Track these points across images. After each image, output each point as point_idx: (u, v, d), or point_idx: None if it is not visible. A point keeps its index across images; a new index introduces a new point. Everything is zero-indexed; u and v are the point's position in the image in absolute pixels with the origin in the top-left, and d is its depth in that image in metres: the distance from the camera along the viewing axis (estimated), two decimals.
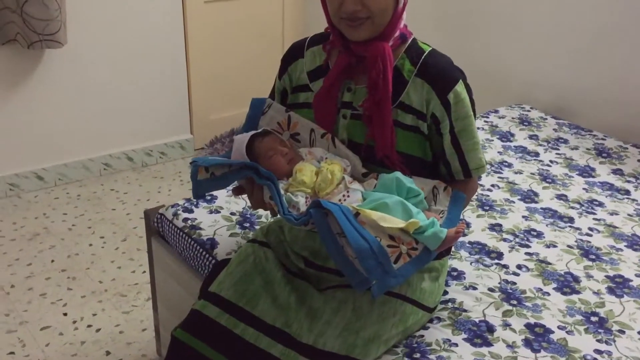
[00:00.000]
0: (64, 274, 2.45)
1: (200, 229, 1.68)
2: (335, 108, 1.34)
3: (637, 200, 1.93)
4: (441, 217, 1.24)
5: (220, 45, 3.46)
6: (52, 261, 2.53)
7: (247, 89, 3.56)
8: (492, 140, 2.36)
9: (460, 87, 1.29)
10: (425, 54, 1.31)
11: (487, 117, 2.57)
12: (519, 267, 1.56)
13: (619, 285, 1.49)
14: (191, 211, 1.75)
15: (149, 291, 2.15)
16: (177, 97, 3.40)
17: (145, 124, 3.34)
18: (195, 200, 1.80)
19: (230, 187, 1.38)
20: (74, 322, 2.20)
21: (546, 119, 2.56)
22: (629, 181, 2.06)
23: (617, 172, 2.13)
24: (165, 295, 1.88)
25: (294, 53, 1.44)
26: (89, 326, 2.18)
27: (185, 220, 1.72)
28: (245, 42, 3.55)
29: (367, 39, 1.26)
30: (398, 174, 1.25)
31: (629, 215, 1.84)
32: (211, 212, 1.75)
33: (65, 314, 2.23)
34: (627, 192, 1.99)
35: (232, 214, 1.75)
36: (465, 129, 1.32)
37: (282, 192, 1.25)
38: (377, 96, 1.27)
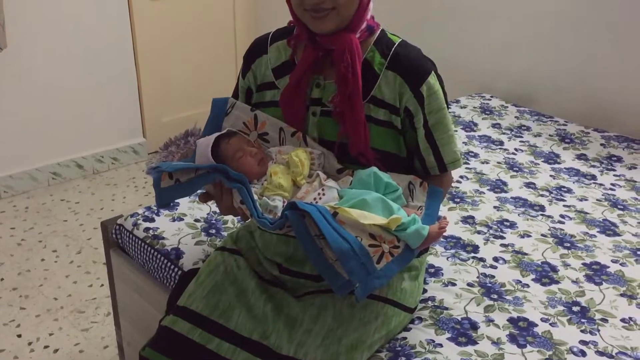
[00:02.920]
0: (15, 292, 2.31)
1: (163, 238, 1.59)
2: (304, 105, 1.27)
3: (604, 185, 1.93)
4: (420, 213, 1.19)
5: (170, 44, 3.33)
6: (2, 279, 2.37)
7: (200, 88, 3.45)
8: (457, 131, 2.33)
9: (432, 78, 1.25)
10: (395, 46, 1.26)
11: (449, 108, 2.53)
12: (495, 259, 1.53)
13: (596, 273, 1.48)
14: (152, 220, 1.65)
15: (109, 305, 2.04)
16: (127, 99, 3.27)
17: (95, 128, 3.19)
18: (155, 208, 1.70)
19: (195, 193, 1.30)
20: (30, 343, 2.06)
21: (507, 107, 2.56)
22: (594, 166, 2.07)
23: (581, 157, 2.14)
24: (127, 310, 1.78)
25: (257, 49, 1.36)
26: (46, 347, 2.05)
27: (146, 230, 1.62)
28: (196, 40, 3.44)
29: (333, 30, 1.20)
30: (375, 169, 1.20)
31: (597, 200, 1.83)
32: (174, 220, 1.66)
33: (19, 336, 2.09)
34: (594, 177, 1.99)
35: (197, 220, 1.66)
36: (440, 121, 1.28)
37: (254, 195, 1.17)
38: (347, 91, 1.21)
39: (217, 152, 1.25)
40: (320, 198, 1.18)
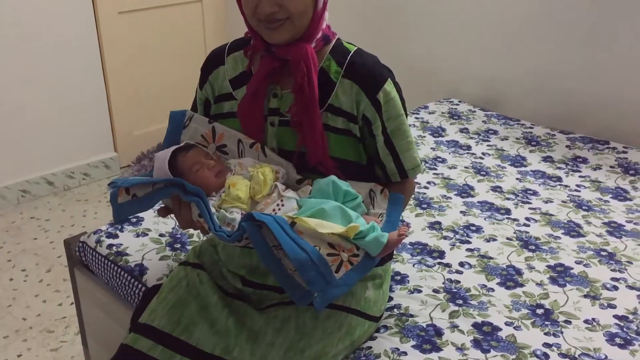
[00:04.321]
0: None
1: (126, 254, 1.56)
2: (262, 115, 1.27)
3: (569, 187, 1.95)
4: (381, 221, 1.19)
5: (140, 56, 3.31)
6: None
7: (172, 101, 3.42)
8: (425, 137, 2.34)
9: (389, 85, 1.25)
10: (351, 54, 1.26)
11: (418, 114, 2.56)
12: (461, 264, 1.53)
13: (560, 275, 1.49)
14: (116, 236, 1.63)
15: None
16: (97, 113, 3.23)
17: (65, 144, 3.15)
18: (119, 224, 1.68)
19: (156, 208, 1.28)
20: None
21: (475, 111, 2.58)
22: (559, 168, 2.09)
23: (547, 159, 2.15)
24: (94, 328, 1.75)
25: (214, 61, 1.35)
26: None
27: (109, 246, 1.60)
28: (166, 52, 3.42)
29: (288, 40, 1.19)
30: (334, 177, 1.19)
31: (563, 202, 1.85)
32: (138, 235, 1.64)
33: None
34: (559, 179, 2.01)
35: (161, 235, 1.64)
36: (398, 128, 1.27)
37: (212, 208, 1.16)
38: (304, 100, 1.20)
39: (174, 165, 1.24)
40: (279, 209, 1.17)
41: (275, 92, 1.27)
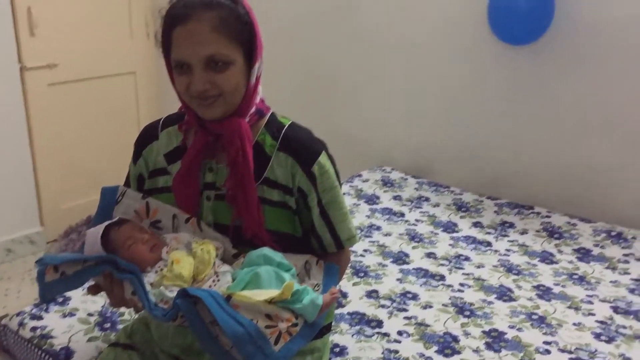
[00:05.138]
0: None
1: (51, 337, 1.48)
2: (197, 190, 1.26)
3: (499, 251, 2.02)
4: (317, 291, 1.18)
5: (70, 128, 3.25)
6: None
7: (103, 172, 3.35)
8: (359, 205, 2.38)
9: (323, 158, 1.28)
10: (285, 128, 1.29)
11: (352, 182, 2.61)
12: (399, 333, 1.53)
13: (495, 340, 1.51)
14: (40, 318, 1.54)
15: None
16: (22, 186, 3.11)
17: None
18: (45, 303, 1.59)
19: (85, 285, 1.23)
20: None
21: (406, 178, 2.65)
22: (489, 233, 2.16)
23: (477, 225, 2.23)
24: None
25: (148, 136, 1.35)
26: None
27: (33, 329, 1.51)
28: (98, 125, 3.37)
29: (222, 116, 1.21)
30: (266, 249, 1.19)
31: (494, 266, 1.90)
32: (64, 315, 1.56)
33: None
34: (489, 244, 2.07)
35: (90, 314, 1.57)
36: (333, 200, 1.29)
37: (147, 285, 1.13)
38: (238, 174, 1.21)
39: (107, 241, 1.20)
40: (215, 284, 1.15)
41: (211, 166, 1.27)
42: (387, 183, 2.60)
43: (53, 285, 1.16)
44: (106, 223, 1.23)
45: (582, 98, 2.28)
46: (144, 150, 1.34)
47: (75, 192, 3.32)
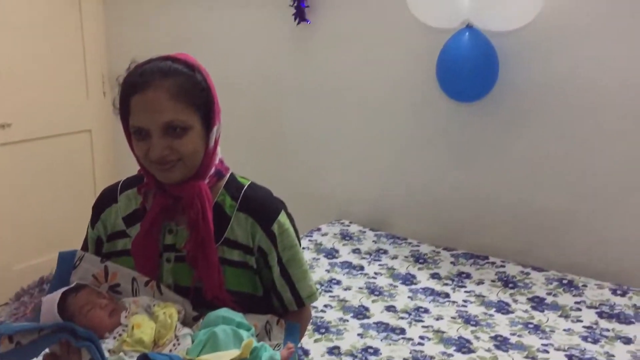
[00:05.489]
0: None
1: None
2: (157, 252, 1.26)
3: (457, 302, 2.06)
4: (278, 351, 1.19)
5: (23, 188, 3.19)
6: None
7: (57, 232, 3.29)
8: (319, 259, 2.40)
9: (283, 217, 1.30)
10: (245, 188, 1.31)
11: (311, 236, 2.63)
12: None
13: None
14: None
15: None
16: None
17: None
18: None
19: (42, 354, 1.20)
20: None
21: (365, 231, 2.69)
22: (446, 284, 2.20)
23: (435, 276, 2.27)
24: None
25: (106, 199, 1.35)
26: None
27: None
28: (52, 183, 3.32)
29: (181, 179, 1.23)
30: (224, 310, 1.19)
31: (452, 318, 1.94)
32: None
33: None
34: (447, 295, 2.11)
35: None
36: (293, 257, 1.31)
37: (105, 352, 1.11)
38: (199, 236, 1.22)
39: (64, 307, 1.18)
40: (175, 348, 1.14)
41: (171, 228, 1.28)
42: (345, 236, 2.63)
43: (7, 356, 1.13)
44: (63, 289, 1.22)
45: (529, 150, 2.39)
46: (102, 214, 1.34)
47: (28, 253, 3.24)
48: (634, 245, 2.23)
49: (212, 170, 1.28)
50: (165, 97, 1.16)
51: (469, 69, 2.25)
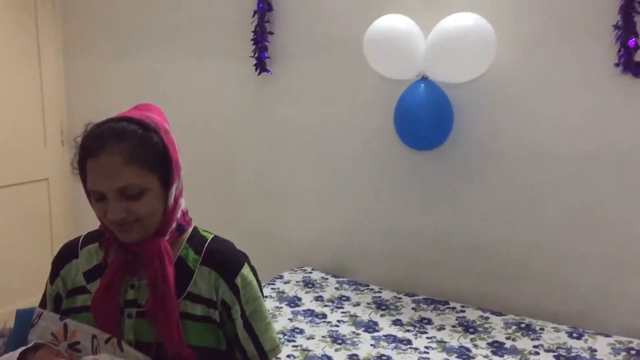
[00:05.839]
0: None
1: None
2: (117, 308, 1.25)
3: (419, 349, 2.07)
4: None
5: None
6: None
7: (11, 284, 3.20)
8: (281, 307, 2.39)
9: (246, 270, 1.31)
10: (208, 242, 1.32)
11: (274, 284, 2.62)
12: None
13: None
14: None
15: None
16: None
17: None
18: None
19: None
20: None
21: (327, 278, 2.70)
22: (408, 330, 2.22)
23: (397, 322, 2.29)
24: None
25: (67, 254, 1.34)
26: None
27: None
28: (8, 234, 3.24)
29: (140, 239, 1.23)
30: None
31: None
32: None
33: None
34: (409, 342, 2.13)
35: None
36: (256, 310, 1.32)
37: None
38: (159, 294, 1.22)
39: None
40: None
41: (132, 283, 1.27)
42: (308, 284, 2.63)
43: None
44: (21, 349, 1.19)
45: (485, 196, 2.47)
46: (62, 270, 1.33)
47: None
48: (588, 288, 2.31)
49: (174, 225, 1.29)
50: (119, 162, 1.15)
51: (424, 118, 2.33)
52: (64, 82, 3.63)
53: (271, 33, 2.87)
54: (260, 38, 2.86)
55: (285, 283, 2.64)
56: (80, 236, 1.37)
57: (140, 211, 1.18)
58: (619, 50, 2.09)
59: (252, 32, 2.87)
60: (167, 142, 1.22)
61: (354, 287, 2.62)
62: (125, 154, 1.16)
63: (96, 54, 3.55)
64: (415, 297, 2.49)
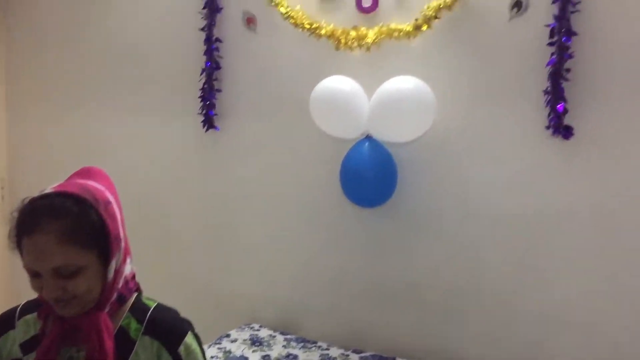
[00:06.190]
0: None
1: None
2: None
3: None
4: None
5: None
6: None
7: None
8: None
9: (189, 338, 1.30)
10: (151, 311, 1.30)
11: (220, 343, 2.58)
12: None
13: None
14: None
15: None
16: None
17: None
18: None
19: None
20: None
21: (275, 336, 2.68)
22: None
23: None
24: None
25: (2, 325, 1.30)
26: None
27: None
28: None
29: (78, 313, 1.20)
30: None
31: None
32: None
33: None
34: None
35: None
36: None
37: None
38: None
39: None
40: None
41: (71, 354, 1.24)
42: (255, 342, 2.60)
43: None
44: None
45: (429, 252, 2.52)
46: None
47: None
48: (525, 344, 2.36)
49: (114, 296, 1.26)
50: (53, 242, 1.13)
51: (369, 177, 2.38)
52: (6, 135, 3.55)
53: (219, 90, 2.91)
54: (208, 95, 2.89)
55: (232, 342, 2.60)
56: (18, 305, 1.33)
57: (76, 290, 1.16)
58: (549, 114, 2.21)
59: (200, 89, 2.90)
60: (105, 217, 1.19)
61: (301, 344, 2.60)
62: (60, 233, 1.13)
63: (41, 107, 3.51)
64: (363, 354, 2.49)
